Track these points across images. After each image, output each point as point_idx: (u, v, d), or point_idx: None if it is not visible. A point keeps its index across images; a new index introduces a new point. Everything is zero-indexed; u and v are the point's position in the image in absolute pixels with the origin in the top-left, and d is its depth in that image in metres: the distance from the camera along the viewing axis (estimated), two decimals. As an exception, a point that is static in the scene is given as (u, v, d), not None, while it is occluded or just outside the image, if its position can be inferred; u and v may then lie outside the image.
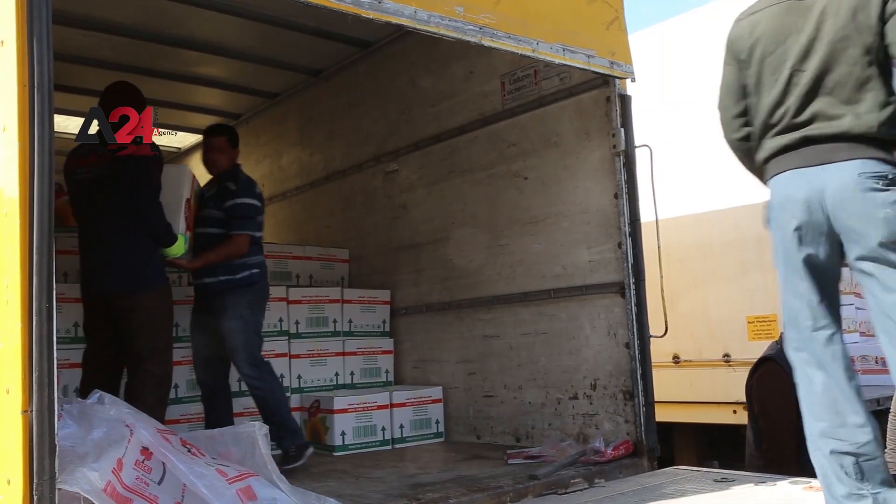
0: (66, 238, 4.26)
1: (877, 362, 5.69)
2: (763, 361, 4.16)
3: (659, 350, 4.44)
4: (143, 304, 3.73)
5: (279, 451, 4.00)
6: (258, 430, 2.90)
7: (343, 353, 5.31)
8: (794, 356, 2.50)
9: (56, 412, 2.12)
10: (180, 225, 3.87)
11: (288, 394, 5.05)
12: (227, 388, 4.41)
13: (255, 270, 4.25)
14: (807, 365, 2.44)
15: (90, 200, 3.75)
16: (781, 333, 4.22)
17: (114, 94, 3.83)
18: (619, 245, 4.10)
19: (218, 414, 4.32)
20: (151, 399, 3.64)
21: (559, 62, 3.78)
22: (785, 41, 2.46)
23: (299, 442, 4.14)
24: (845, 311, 6.06)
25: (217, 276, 4.18)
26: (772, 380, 4.04)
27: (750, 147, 2.63)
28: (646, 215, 4.13)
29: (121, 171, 3.64)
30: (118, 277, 3.67)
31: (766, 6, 2.56)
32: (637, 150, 4.11)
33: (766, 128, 2.52)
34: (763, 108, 2.52)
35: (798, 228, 2.37)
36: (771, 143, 2.50)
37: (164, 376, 3.85)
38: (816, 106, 2.38)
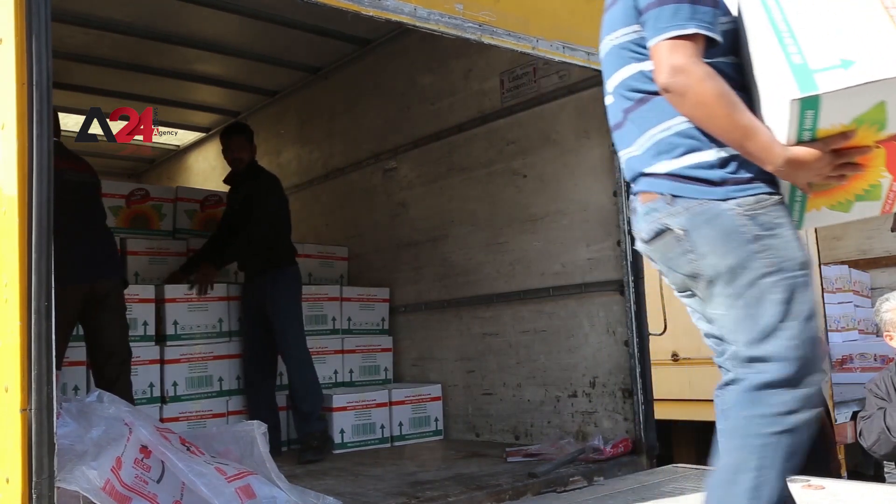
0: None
1: (875, 360, 5.69)
2: None
3: (658, 348, 4.43)
4: (122, 291, 4.04)
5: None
6: (257, 429, 2.90)
7: (342, 351, 5.29)
8: None
9: (55, 410, 2.11)
10: None
11: (287, 391, 5.05)
12: None
13: None
14: None
15: (84, 201, 3.90)
16: None
17: None
18: (619, 243, 4.09)
19: None
20: (131, 393, 3.85)
21: (559, 60, 3.76)
22: None
23: None
24: (844, 310, 6.10)
25: None
26: None
27: None
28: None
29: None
30: (112, 264, 4.01)
31: None
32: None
33: None
34: None
35: None
36: None
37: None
38: None
